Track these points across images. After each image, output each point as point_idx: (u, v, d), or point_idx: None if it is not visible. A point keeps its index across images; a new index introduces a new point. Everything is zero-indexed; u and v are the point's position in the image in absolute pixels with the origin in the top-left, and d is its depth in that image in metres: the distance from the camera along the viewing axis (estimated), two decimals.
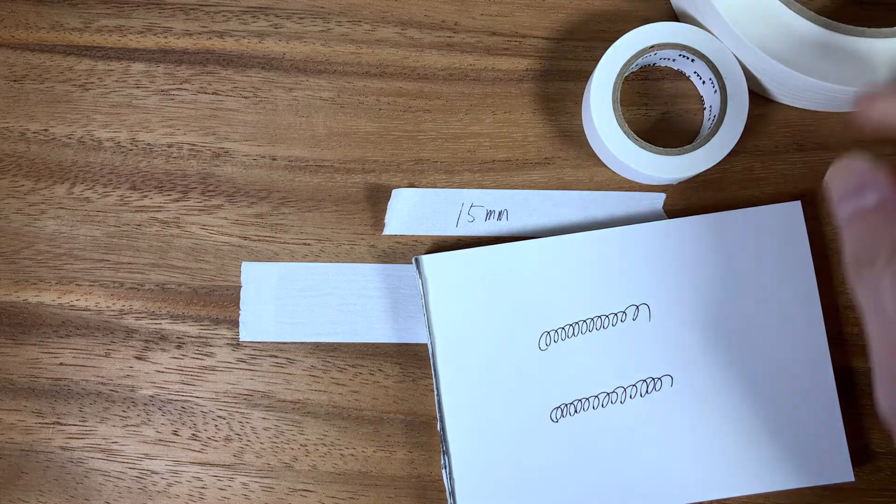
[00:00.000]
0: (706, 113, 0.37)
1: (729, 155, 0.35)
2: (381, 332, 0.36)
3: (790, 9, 0.33)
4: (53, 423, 0.36)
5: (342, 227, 0.37)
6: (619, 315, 0.35)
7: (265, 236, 0.37)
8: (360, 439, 0.36)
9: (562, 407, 0.34)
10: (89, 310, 0.37)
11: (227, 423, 0.36)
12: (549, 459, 0.34)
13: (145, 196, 0.37)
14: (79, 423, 0.36)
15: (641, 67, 0.37)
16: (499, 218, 0.36)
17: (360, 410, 0.36)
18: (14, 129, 0.37)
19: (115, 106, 0.37)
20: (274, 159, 0.37)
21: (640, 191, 0.37)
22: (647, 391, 0.34)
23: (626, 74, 0.36)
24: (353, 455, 0.36)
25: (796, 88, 0.35)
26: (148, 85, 0.37)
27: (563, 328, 0.35)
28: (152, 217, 0.37)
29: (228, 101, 0.37)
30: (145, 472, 0.36)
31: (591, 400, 0.34)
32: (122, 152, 0.37)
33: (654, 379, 0.34)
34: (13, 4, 0.38)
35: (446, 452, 0.34)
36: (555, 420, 0.34)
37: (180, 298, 0.37)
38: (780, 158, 0.37)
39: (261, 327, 0.36)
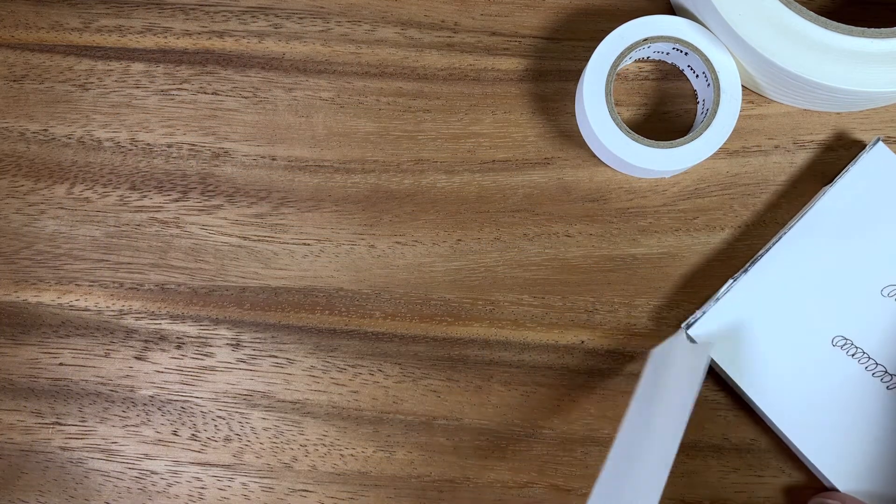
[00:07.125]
0: (699, 107, 0.37)
1: (729, 154, 0.35)
2: None
3: (789, 8, 0.33)
4: (53, 424, 0.36)
5: (342, 227, 0.37)
6: None
7: (265, 236, 0.37)
8: (359, 439, 0.36)
9: (850, 342, 0.34)
10: (89, 310, 0.37)
11: (227, 423, 0.36)
12: (796, 362, 0.34)
13: (145, 196, 0.37)
14: (78, 424, 0.36)
15: (636, 61, 0.37)
16: None
17: (359, 410, 0.36)
18: (14, 129, 0.37)
19: (115, 106, 0.37)
20: (274, 159, 0.37)
21: None
22: None
23: (620, 68, 0.36)
24: (352, 455, 0.36)
25: (795, 87, 0.35)
26: (147, 85, 0.37)
27: None
28: (152, 217, 0.37)
29: (228, 101, 0.37)
30: (145, 472, 0.36)
31: (871, 362, 0.34)
32: (122, 152, 0.37)
33: None
34: (13, 4, 0.38)
35: (745, 270, 0.34)
36: (834, 344, 0.34)
37: (180, 298, 0.37)
38: (779, 156, 0.37)
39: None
